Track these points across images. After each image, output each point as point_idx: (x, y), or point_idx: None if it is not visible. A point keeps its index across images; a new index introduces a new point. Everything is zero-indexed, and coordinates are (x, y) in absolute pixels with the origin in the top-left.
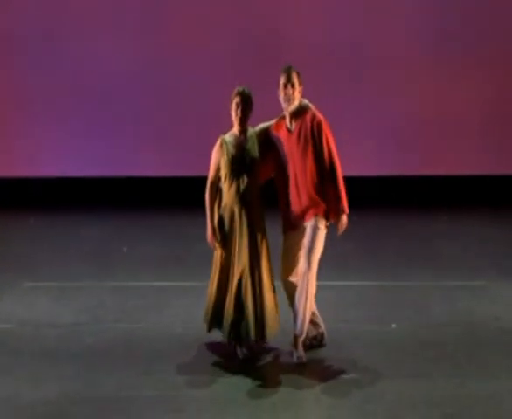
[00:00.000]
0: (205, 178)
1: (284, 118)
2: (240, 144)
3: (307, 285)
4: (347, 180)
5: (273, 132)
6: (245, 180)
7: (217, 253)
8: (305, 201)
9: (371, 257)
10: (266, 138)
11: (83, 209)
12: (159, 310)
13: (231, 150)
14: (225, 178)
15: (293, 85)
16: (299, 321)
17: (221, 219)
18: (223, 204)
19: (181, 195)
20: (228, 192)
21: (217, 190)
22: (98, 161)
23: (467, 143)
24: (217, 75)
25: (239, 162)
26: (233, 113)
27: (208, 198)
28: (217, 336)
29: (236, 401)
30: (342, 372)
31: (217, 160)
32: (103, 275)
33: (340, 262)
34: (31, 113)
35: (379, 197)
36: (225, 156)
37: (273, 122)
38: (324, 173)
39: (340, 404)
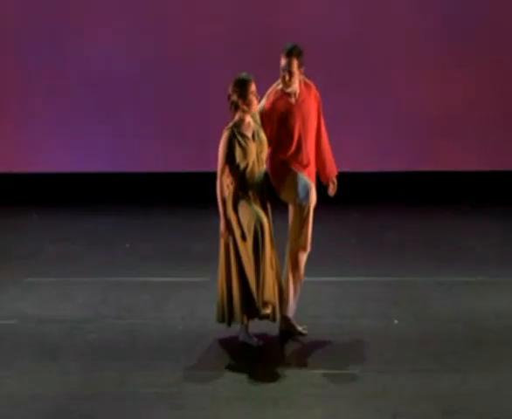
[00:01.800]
0: (207, 174)
1: (281, 90)
2: (251, 130)
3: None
4: (346, 176)
5: (270, 100)
6: (261, 163)
7: (230, 245)
8: (306, 158)
9: (372, 253)
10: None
11: (85, 204)
12: (161, 306)
13: (243, 139)
14: (243, 168)
15: (290, 73)
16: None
17: (236, 211)
18: (241, 193)
19: (182, 192)
20: (248, 180)
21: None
22: (99, 156)
23: (467, 141)
24: (218, 72)
25: (255, 149)
26: (246, 102)
27: (220, 191)
28: (219, 332)
29: (237, 397)
30: (344, 368)
31: (228, 152)
32: (106, 271)
33: (341, 257)
34: (33, 107)
35: (380, 193)
36: (239, 147)
37: (266, 99)
38: (321, 138)
39: (342, 400)
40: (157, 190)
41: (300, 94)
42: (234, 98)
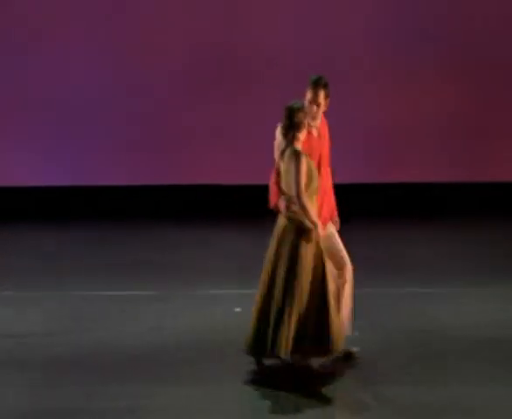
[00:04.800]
0: (171, 187)
1: None
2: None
3: None
4: None
5: None
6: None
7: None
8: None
9: None
10: None
11: (42, 218)
12: (127, 319)
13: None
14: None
15: (318, 104)
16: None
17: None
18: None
19: (147, 205)
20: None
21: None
22: (59, 170)
23: (429, 152)
24: (176, 88)
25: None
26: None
27: (309, 204)
28: (183, 345)
29: (202, 410)
30: (307, 379)
31: (306, 170)
32: (69, 284)
33: None
34: None
35: (348, 205)
36: (308, 166)
37: None
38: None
39: (307, 414)
40: (119, 203)
41: (321, 128)
42: (302, 119)
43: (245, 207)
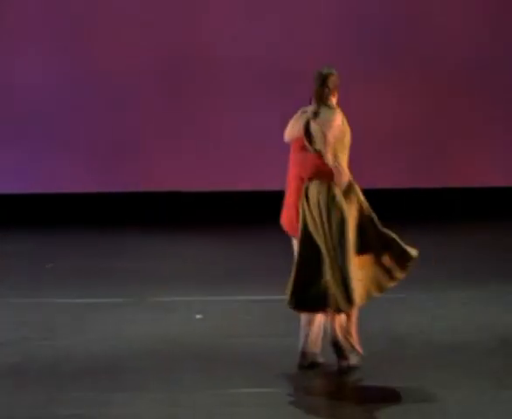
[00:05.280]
0: (128, 194)
1: None
2: None
3: None
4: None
5: None
6: None
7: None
8: None
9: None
10: None
11: (4, 225)
12: (84, 327)
13: None
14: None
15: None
16: None
17: None
18: None
19: (104, 211)
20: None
21: None
22: (17, 177)
23: (394, 157)
24: (143, 90)
25: None
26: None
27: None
28: (143, 353)
29: (161, 418)
30: (271, 386)
31: (340, 123)
32: (28, 292)
33: (268, 276)
34: None
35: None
36: (342, 120)
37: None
38: None
39: None
40: (79, 210)
41: None
42: (335, 82)
43: (205, 214)
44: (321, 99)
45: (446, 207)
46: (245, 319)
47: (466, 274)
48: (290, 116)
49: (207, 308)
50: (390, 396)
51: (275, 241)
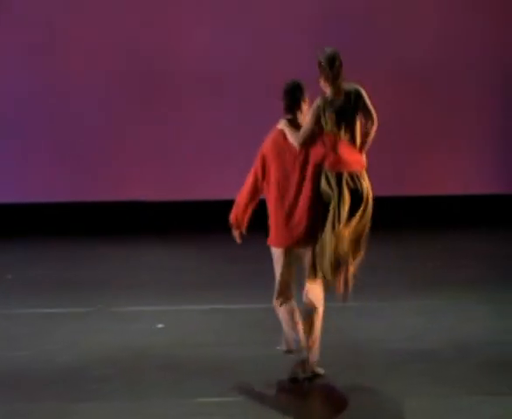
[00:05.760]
0: (98, 204)
1: None
2: None
3: None
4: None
5: None
6: None
7: None
8: None
9: (256, 281)
10: None
11: None
12: (45, 337)
13: None
14: None
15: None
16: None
17: None
18: None
19: (65, 222)
20: None
21: None
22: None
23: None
24: (108, 97)
25: None
26: None
27: None
28: (102, 363)
29: None
30: (231, 395)
31: None
32: None
33: (228, 285)
34: None
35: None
36: None
37: None
38: None
39: None
40: (40, 220)
41: None
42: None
43: (166, 224)
44: (336, 79)
45: (403, 215)
46: (207, 328)
47: (423, 282)
48: (260, 128)
49: (169, 318)
50: (354, 405)
51: (237, 249)
